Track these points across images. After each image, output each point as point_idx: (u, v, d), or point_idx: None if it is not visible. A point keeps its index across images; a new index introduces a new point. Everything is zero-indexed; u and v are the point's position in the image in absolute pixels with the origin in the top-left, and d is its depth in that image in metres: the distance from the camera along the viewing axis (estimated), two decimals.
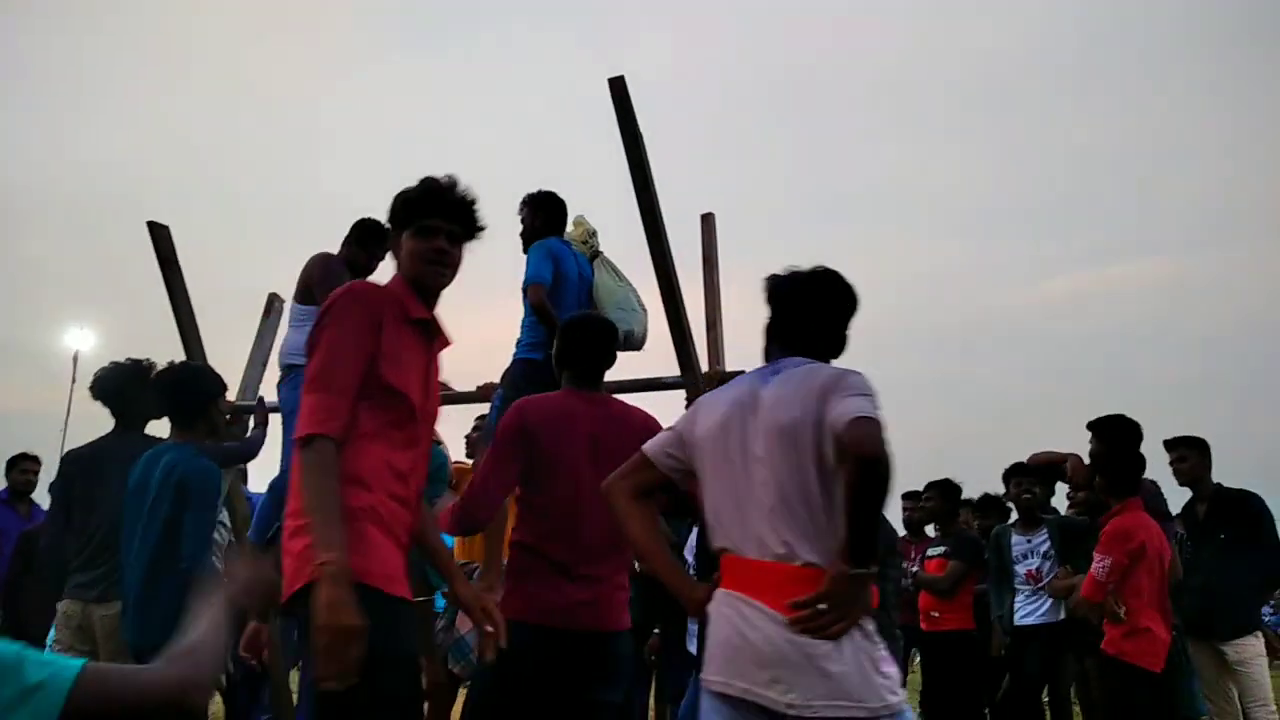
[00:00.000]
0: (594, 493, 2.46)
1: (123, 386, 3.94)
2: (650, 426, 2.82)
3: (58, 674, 1.22)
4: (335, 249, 4.43)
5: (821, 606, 1.91)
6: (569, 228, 4.49)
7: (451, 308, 2.29)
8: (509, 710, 2.66)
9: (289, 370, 4.27)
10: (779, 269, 2.34)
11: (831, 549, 1.97)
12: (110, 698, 1.25)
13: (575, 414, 2.80)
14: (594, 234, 4.54)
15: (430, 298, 2.25)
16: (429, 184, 2.22)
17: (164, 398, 3.76)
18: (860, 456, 1.89)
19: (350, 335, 2.05)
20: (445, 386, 4.31)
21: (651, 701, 5.42)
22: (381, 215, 2.31)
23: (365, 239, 4.37)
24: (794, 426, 2.04)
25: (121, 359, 4.02)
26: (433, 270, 2.21)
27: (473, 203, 2.27)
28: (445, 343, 2.31)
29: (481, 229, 2.29)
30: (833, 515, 2.00)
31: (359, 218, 4.39)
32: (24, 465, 5.98)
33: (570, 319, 3.06)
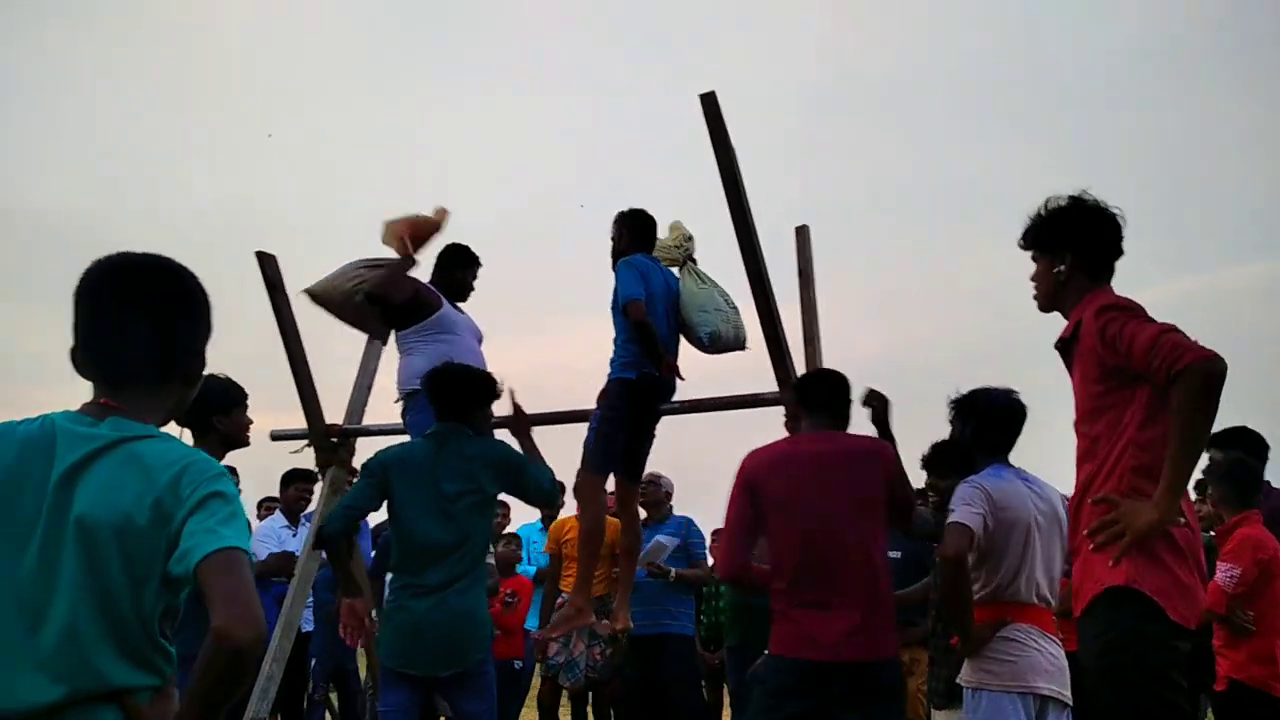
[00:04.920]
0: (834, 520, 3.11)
1: None
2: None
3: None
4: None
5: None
6: (664, 233, 4.52)
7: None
8: None
9: (410, 396, 4.24)
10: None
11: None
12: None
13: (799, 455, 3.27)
14: (689, 239, 4.54)
15: None
16: None
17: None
18: None
19: None
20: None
21: None
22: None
23: (451, 263, 4.53)
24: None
25: None
26: None
27: None
28: None
29: None
30: None
31: (446, 244, 4.53)
32: (299, 484, 5.74)
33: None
